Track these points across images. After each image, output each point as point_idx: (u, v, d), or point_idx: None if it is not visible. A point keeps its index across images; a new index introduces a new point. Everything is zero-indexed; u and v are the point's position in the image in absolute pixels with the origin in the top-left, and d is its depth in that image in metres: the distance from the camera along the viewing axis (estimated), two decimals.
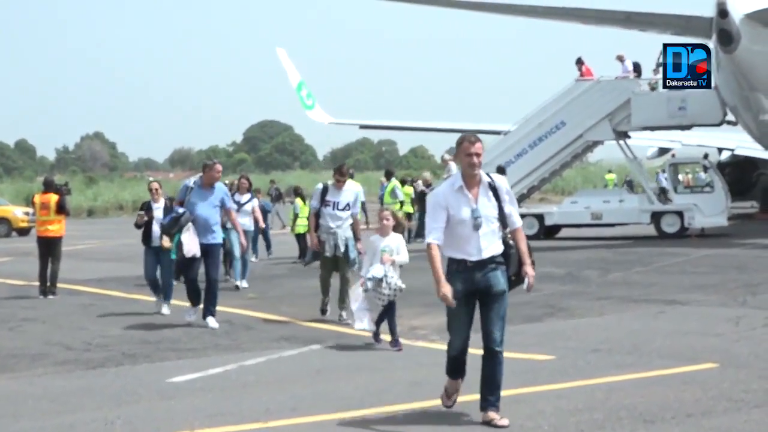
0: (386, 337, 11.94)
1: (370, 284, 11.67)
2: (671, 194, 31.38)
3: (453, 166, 34.52)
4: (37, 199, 19.18)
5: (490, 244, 8.00)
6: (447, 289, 7.82)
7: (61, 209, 18.69)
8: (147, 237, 15.71)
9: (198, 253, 13.71)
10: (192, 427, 8.13)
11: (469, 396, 8.77)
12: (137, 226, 15.89)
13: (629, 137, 33.01)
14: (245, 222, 19.45)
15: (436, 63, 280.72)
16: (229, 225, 16.31)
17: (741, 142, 37.09)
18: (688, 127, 32.63)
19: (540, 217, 31.33)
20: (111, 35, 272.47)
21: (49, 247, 18.64)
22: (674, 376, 9.63)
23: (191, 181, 14.33)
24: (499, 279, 8.02)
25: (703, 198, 30.73)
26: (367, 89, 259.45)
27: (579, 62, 32.12)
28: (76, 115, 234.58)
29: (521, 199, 32.29)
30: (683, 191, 32.99)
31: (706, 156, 37.58)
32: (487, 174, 8.20)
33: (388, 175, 26.68)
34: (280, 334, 13.07)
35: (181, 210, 13.78)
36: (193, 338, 12.87)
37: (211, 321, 13.75)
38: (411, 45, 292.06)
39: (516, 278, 8.19)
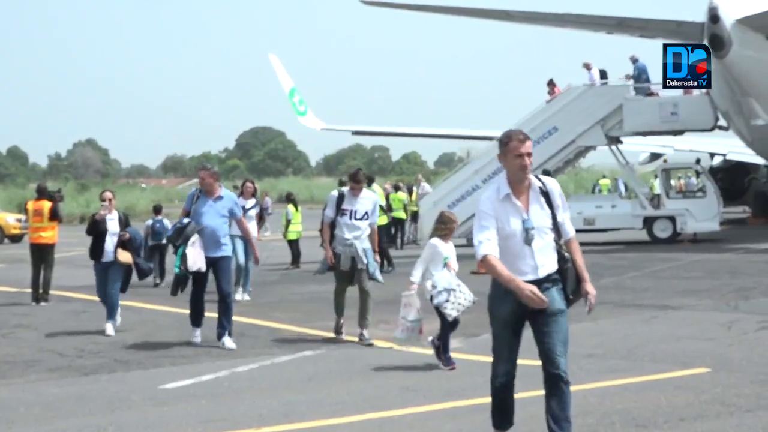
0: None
1: (443, 296, 10.65)
2: (663, 199, 31.42)
3: (426, 186, 34.57)
4: (30, 205, 19.16)
5: (546, 260, 6.94)
6: (530, 287, 6.70)
7: (54, 216, 18.66)
8: (97, 251, 14.34)
9: (203, 267, 12.61)
10: None
11: (463, 401, 8.79)
12: (90, 231, 14.45)
13: (621, 143, 33.07)
14: (250, 228, 18.97)
15: (429, 69, 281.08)
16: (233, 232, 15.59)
17: (733, 147, 37.17)
18: (680, 132, 32.68)
19: None
20: (103, 42, 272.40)
21: (42, 254, 18.61)
22: (667, 380, 9.65)
23: (196, 189, 13.27)
24: (556, 298, 6.96)
25: (695, 203, 30.78)
26: (360, 95, 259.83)
27: (551, 83, 32.45)
28: (68, 121, 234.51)
29: None
30: (675, 196, 33.04)
31: (698, 161, 37.65)
32: (536, 177, 7.09)
33: (369, 182, 26.47)
34: (273, 340, 13.06)
35: (186, 220, 12.74)
36: (186, 345, 12.85)
37: (228, 341, 12.54)
38: (403, 51, 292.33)
39: (574, 297, 7.15)
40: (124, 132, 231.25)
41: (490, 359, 10.11)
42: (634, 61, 31.39)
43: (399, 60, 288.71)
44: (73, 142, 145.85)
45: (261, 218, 20.44)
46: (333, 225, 12.97)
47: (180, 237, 12.62)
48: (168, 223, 23.81)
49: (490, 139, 33.95)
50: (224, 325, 12.67)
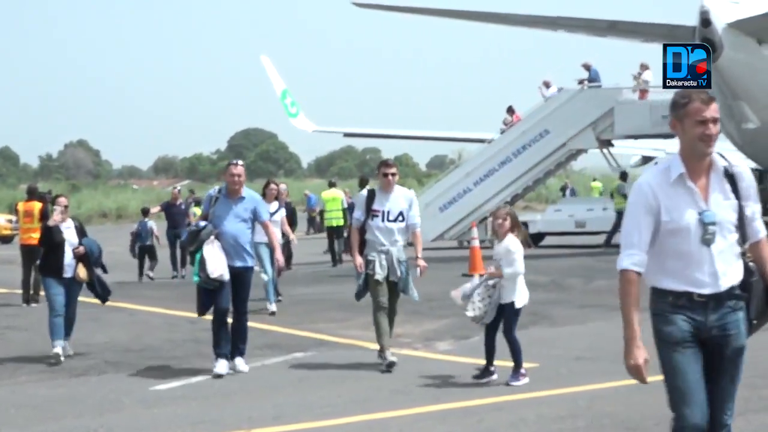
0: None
1: (462, 294, 10.11)
2: None
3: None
4: (21, 206, 19.14)
5: (729, 268, 5.21)
6: (640, 355, 5.42)
7: (44, 217, 18.61)
8: (53, 265, 12.29)
9: (227, 275, 10.84)
10: None
11: (453, 404, 8.80)
12: (44, 240, 12.59)
13: (612, 146, 33.12)
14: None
15: (421, 71, 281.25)
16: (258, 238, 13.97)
17: (724, 151, 37.18)
18: (671, 136, 32.51)
19: (524, 225, 31.39)
20: (95, 43, 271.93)
21: (33, 255, 18.55)
22: (657, 383, 9.56)
23: (215, 189, 11.58)
24: (740, 328, 5.31)
25: None
26: (351, 97, 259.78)
27: (510, 110, 32.78)
28: (59, 122, 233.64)
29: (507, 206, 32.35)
30: None
31: None
32: (720, 155, 5.41)
33: (363, 183, 26.42)
34: (263, 342, 13.04)
35: (202, 223, 11.21)
36: (177, 346, 12.84)
37: (240, 363, 11.08)
38: (395, 53, 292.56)
39: (759, 322, 5.42)
40: (116, 133, 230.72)
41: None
42: (588, 68, 31.79)
43: (390, 62, 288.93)
44: (65, 142, 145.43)
45: (291, 221, 19.37)
46: (363, 230, 11.23)
47: (195, 241, 11.01)
48: (153, 226, 24.20)
49: (481, 141, 33.97)
50: (238, 345, 11.15)
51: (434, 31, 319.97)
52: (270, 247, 13.56)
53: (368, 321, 14.43)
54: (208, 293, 10.96)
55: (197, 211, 30.06)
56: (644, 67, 31.23)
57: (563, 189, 52.68)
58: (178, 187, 27.45)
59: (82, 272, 12.30)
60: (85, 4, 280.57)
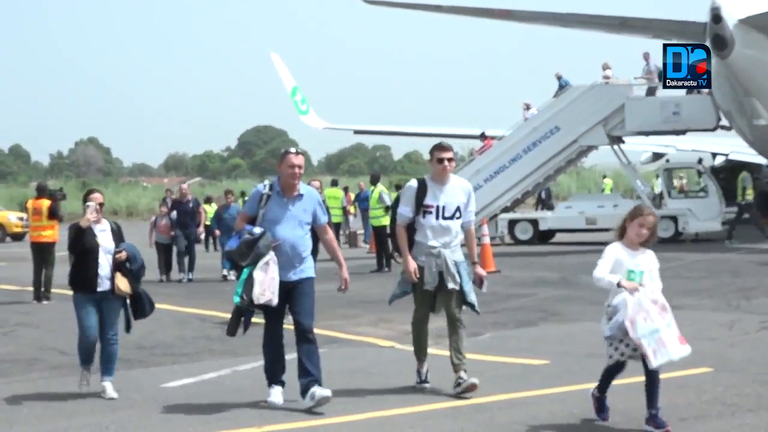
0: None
1: (612, 332, 8.12)
2: (665, 199, 31.43)
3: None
4: (30, 204, 19.22)
5: None
6: None
7: (53, 215, 18.66)
8: (85, 277, 9.83)
9: (275, 300, 8.91)
10: None
11: (464, 401, 8.80)
12: (74, 246, 9.97)
13: (623, 142, 33.08)
14: None
15: (431, 68, 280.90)
16: None
17: (735, 147, 37.15)
18: (682, 132, 32.68)
19: (534, 222, 31.42)
20: (105, 41, 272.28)
21: (43, 253, 18.62)
22: (668, 380, 9.62)
23: (265, 185, 9.32)
24: None
25: (697, 203, 30.80)
26: (362, 94, 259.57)
27: (482, 137, 33.22)
28: (70, 120, 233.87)
29: (515, 204, 32.40)
30: (677, 196, 33.05)
31: (700, 161, 37.65)
32: None
33: (374, 180, 26.54)
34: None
35: (258, 230, 8.92)
36: (188, 343, 12.86)
37: (320, 392, 8.74)
38: (405, 50, 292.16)
39: None
40: (126, 131, 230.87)
41: (493, 358, 10.18)
42: (559, 78, 32.55)
43: (400, 59, 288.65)
44: (75, 140, 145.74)
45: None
46: (411, 228, 9.44)
47: (250, 254, 8.83)
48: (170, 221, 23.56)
49: (493, 138, 33.94)
50: (310, 371, 8.92)
51: (444, 28, 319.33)
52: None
53: (378, 317, 14.52)
54: (245, 315, 9.22)
55: (208, 209, 29.92)
56: (606, 66, 31.51)
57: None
58: (187, 185, 26.27)
59: (122, 284, 9.84)
60: (95, 3, 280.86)
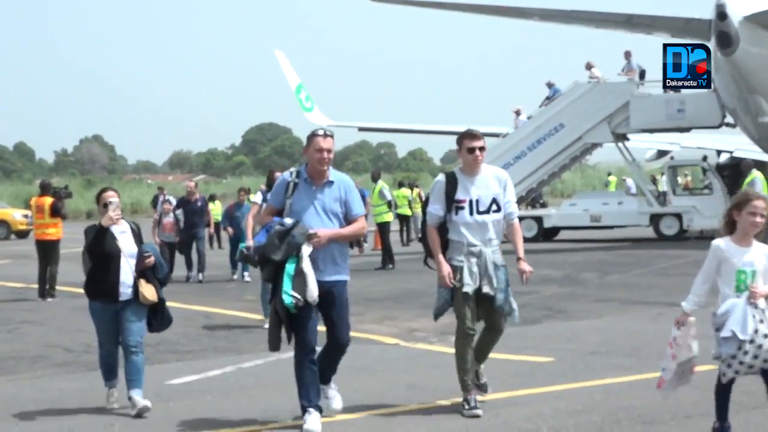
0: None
1: (729, 346, 7.26)
2: (670, 196, 31.40)
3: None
4: (34, 202, 19.25)
5: None
6: None
7: (55, 213, 18.65)
8: (105, 284, 8.86)
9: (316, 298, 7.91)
10: (191, 429, 8.13)
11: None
12: (94, 248, 8.91)
13: (628, 139, 33.06)
14: None
15: (435, 66, 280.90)
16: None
17: (740, 145, 37.11)
18: (687, 130, 32.67)
19: (539, 220, 31.41)
20: (110, 39, 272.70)
21: (47, 251, 18.62)
22: None
23: (292, 172, 8.29)
24: None
25: (702, 200, 30.77)
26: (366, 92, 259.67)
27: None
28: (74, 117, 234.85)
29: (519, 201, 32.39)
30: (682, 193, 33.03)
31: (705, 158, 37.62)
32: None
33: (375, 177, 26.58)
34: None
35: (288, 220, 7.93)
36: (192, 341, 12.86)
37: (337, 399, 8.44)
38: (410, 48, 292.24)
39: None
40: (131, 128, 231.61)
41: (498, 355, 10.15)
42: (550, 86, 32.60)
43: (405, 57, 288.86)
44: (80, 138, 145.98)
45: None
46: (443, 228, 8.47)
47: (282, 246, 7.83)
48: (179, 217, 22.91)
49: (496, 135, 33.94)
50: (329, 376, 8.40)
51: (449, 25, 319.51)
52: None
53: (383, 315, 14.48)
54: (298, 321, 7.96)
55: (213, 207, 29.54)
56: (590, 65, 31.58)
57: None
58: (194, 182, 24.89)
59: (148, 291, 8.91)
60: (100, 1, 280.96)
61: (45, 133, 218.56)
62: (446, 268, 8.28)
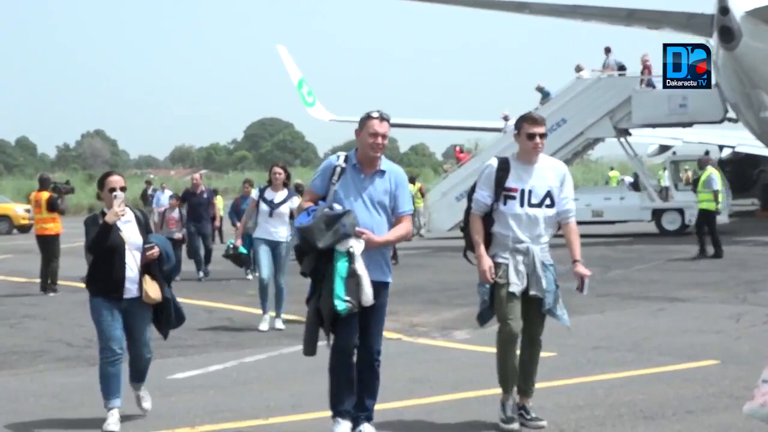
0: None
1: None
2: (672, 191, 31.39)
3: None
4: (33, 197, 19.24)
5: None
6: None
7: (52, 208, 18.61)
8: (107, 280, 8.03)
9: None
10: (193, 423, 8.14)
11: (471, 393, 8.80)
12: (99, 243, 7.98)
13: (630, 134, 33.06)
14: (280, 231, 13.37)
15: (437, 60, 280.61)
16: (277, 233, 13.16)
17: (742, 140, 37.14)
18: (689, 125, 32.69)
19: None
20: (111, 33, 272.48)
21: (46, 245, 18.60)
22: (675, 373, 9.64)
23: (340, 156, 7.51)
24: None
25: None
26: (368, 86, 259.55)
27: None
28: (76, 112, 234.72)
29: None
30: (684, 188, 33.04)
31: (707, 153, 37.62)
32: None
33: None
34: (280, 331, 13.05)
35: (337, 207, 7.18)
36: (194, 335, 12.86)
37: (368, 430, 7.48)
38: (412, 42, 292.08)
39: None
40: (133, 123, 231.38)
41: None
42: (541, 89, 33.07)
43: (407, 51, 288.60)
44: (82, 132, 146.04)
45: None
46: (488, 218, 7.70)
47: (329, 234, 7.03)
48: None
49: (498, 130, 33.98)
50: (365, 404, 7.55)
51: (451, 20, 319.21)
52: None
53: None
54: (346, 329, 7.21)
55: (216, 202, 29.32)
56: (579, 68, 31.75)
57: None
58: (200, 174, 23.96)
59: (152, 289, 8.15)
60: None
61: (47, 127, 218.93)
62: (487, 261, 7.51)
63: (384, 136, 7.36)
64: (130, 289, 8.04)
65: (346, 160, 7.39)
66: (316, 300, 7.16)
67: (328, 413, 8.04)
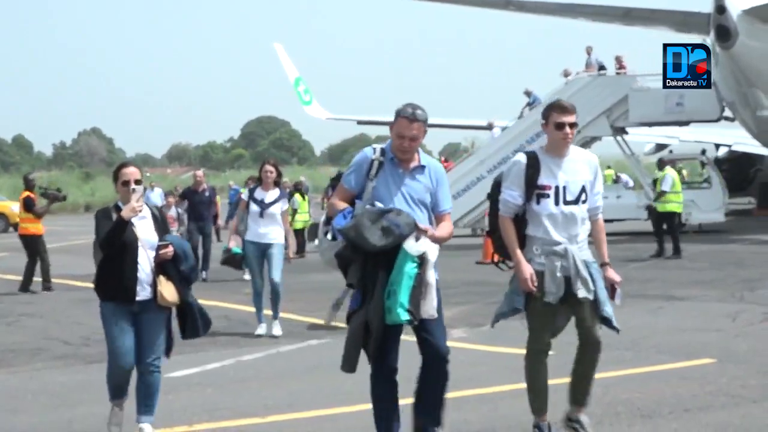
0: None
1: None
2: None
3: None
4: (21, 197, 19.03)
5: None
6: None
7: (27, 208, 18.49)
8: (118, 281, 7.33)
9: None
10: (190, 422, 8.15)
11: (467, 391, 8.81)
12: (111, 240, 7.26)
13: (627, 133, 33.07)
14: (271, 232, 12.79)
15: (434, 58, 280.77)
16: (267, 234, 12.58)
17: (738, 138, 37.17)
18: (685, 123, 32.72)
19: None
20: (108, 31, 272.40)
21: (29, 246, 18.49)
22: (672, 371, 9.65)
23: (376, 149, 6.80)
24: None
25: (700, 194, 30.78)
26: (365, 85, 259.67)
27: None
28: (73, 110, 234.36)
29: None
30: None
31: (703, 152, 37.65)
32: None
33: None
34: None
35: (380, 206, 6.53)
36: None
37: None
38: (409, 40, 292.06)
39: None
40: (129, 121, 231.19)
41: (495, 348, 10.16)
42: (528, 94, 33.08)
43: (404, 49, 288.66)
44: (78, 131, 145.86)
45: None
46: (521, 219, 7.02)
47: (381, 233, 6.34)
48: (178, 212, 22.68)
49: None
50: (430, 411, 6.90)
51: (447, 18, 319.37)
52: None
53: None
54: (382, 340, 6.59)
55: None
56: (567, 72, 31.84)
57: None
58: (202, 171, 22.57)
59: (168, 291, 7.42)
60: None
61: (43, 125, 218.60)
62: (528, 268, 6.84)
63: (413, 139, 6.62)
64: (143, 292, 7.35)
65: (382, 153, 6.72)
66: (365, 313, 6.49)
67: (326, 411, 8.07)
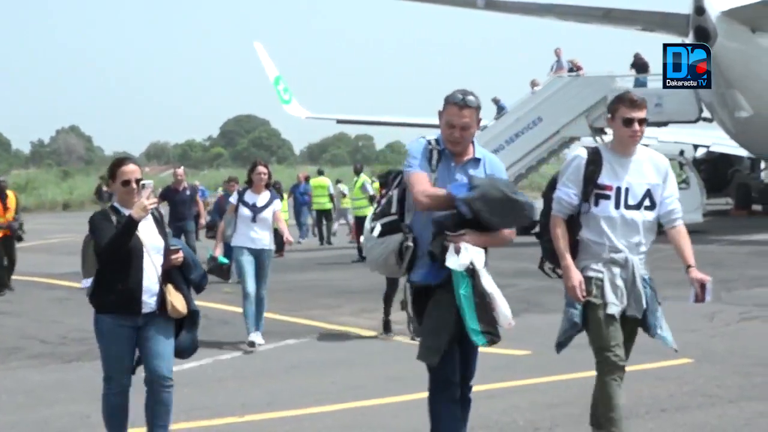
0: None
1: None
2: None
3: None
4: None
5: None
6: None
7: None
8: (121, 293, 6.41)
9: None
10: None
11: None
12: (118, 246, 6.28)
13: (606, 133, 33.14)
14: (264, 237, 12.00)
15: (414, 58, 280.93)
16: (261, 240, 11.78)
17: (716, 139, 37.32)
18: (664, 124, 32.81)
19: None
20: (87, 28, 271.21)
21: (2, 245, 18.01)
22: (649, 371, 9.67)
23: (430, 139, 6.18)
24: None
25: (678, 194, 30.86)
26: (345, 84, 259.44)
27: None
28: (51, 108, 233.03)
29: None
30: None
31: (682, 152, 37.78)
32: None
33: (357, 170, 26.61)
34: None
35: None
36: None
37: None
38: (388, 40, 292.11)
39: None
40: (108, 119, 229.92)
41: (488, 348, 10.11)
42: (497, 102, 33.32)
43: (384, 49, 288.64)
44: (56, 128, 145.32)
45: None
46: (574, 221, 6.31)
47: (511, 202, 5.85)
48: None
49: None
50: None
51: (427, 18, 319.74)
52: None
53: (359, 308, 14.47)
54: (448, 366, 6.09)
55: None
56: (534, 83, 32.05)
57: None
58: (182, 169, 21.41)
59: (177, 301, 6.57)
60: None
61: (21, 123, 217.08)
62: (577, 275, 6.15)
63: (464, 128, 5.95)
64: (149, 303, 6.48)
65: (437, 143, 6.08)
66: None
67: (304, 411, 8.06)
